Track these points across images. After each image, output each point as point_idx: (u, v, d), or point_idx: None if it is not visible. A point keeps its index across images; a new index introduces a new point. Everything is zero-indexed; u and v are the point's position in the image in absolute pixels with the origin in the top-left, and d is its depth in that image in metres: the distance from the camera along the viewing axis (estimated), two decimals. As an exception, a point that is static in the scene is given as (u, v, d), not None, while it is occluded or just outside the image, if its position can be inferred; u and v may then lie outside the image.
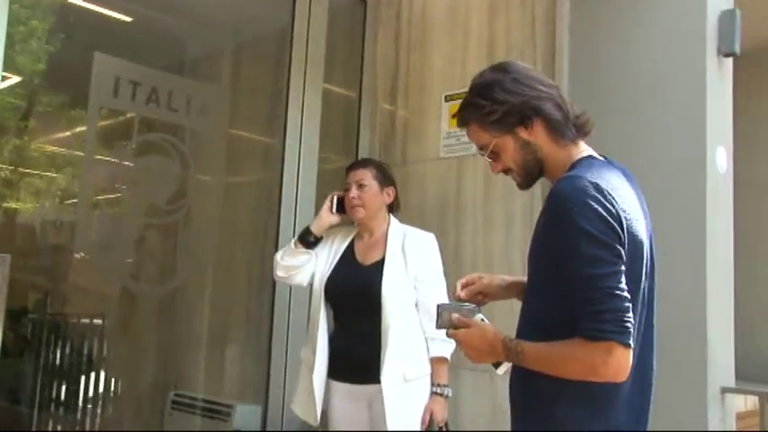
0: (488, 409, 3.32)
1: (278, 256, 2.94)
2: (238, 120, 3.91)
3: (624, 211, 1.61)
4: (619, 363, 1.52)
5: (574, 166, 1.75)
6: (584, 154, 1.79)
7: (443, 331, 2.67)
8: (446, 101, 3.75)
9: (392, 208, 2.98)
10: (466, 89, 3.45)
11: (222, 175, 3.90)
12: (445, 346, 2.74)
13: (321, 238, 2.95)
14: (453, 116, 3.67)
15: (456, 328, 1.80)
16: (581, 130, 1.81)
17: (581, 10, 3.32)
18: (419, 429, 2.72)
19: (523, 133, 1.77)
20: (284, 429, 3.57)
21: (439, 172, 3.73)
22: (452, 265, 3.52)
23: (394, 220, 2.96)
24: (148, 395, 3.90)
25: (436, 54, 3.86)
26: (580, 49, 3.29)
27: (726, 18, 2.99)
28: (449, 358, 2.80)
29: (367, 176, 2.90)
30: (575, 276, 1.56)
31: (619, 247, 1.57)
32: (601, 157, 1.81)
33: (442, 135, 3.73)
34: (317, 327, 2.82)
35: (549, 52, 3.37)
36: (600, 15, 3.26)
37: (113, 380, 3.87)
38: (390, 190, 2.94)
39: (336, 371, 2.82)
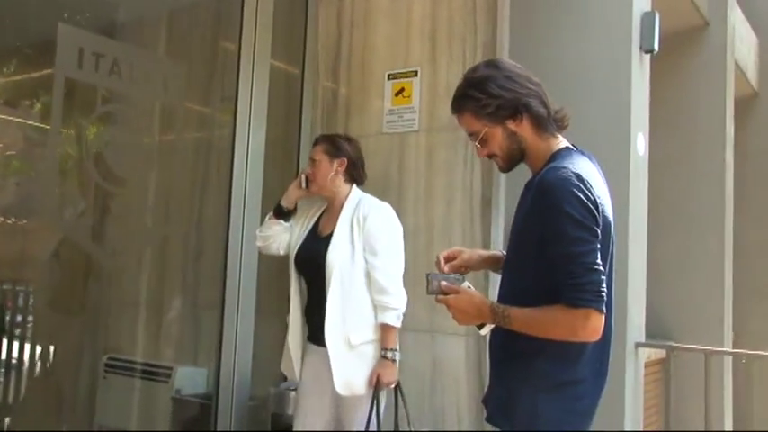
0: (429, 365, 3.64)
1: (258, 229, 3.19)
2: (190, 90, 3.96)
3: (599, 198, 1.90)
4: (595, 326, 1.83)
5: (554, 156, 2.01)
6: (562, 145, 2.06)
7: (390, 299, 2.92)
8: (389, 79, 3.95)
9: (354, 178, 3.15)
10: (409, 69, 3.99)
11: (167, 142, 3.96)
12: (390, 314, 2.92)
13: (293, 210, 3.17)
14: (396, 94, 3.92)
15: (445, 294, 2.04)
16: (560, 125, 2.09)
17: (520, 2, 3.61)
18: (364, 392, 2.90)
19: (512, 125, 2.02)
20: (235, 391, 3.70)
21: (381, 147, 3.93)
22: (411, 233, 3.69)
23: (354, 191, 3.13)
24: (78, 360, 3.87)
25: (378, 34, 4.05)
26: (519, 40, 3.58)
27: (647, 19, 3.41)
28: (395, 325, 2.95)
29: (318, 152, 3.13)
30: (559, 253, 1.84)
31: (596, 228, 1.86)
32: (573, 148, 2.09)
33: (385, 112, 3.94)
34: (290, 292, 3.07)
35: (490, 41, 3.63)
36: (538, 9, 3.61)
37: (38, 347, 3.79)
38: (341, 161, 3.09)
39: (309, 333, 3.09)
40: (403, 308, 2.93)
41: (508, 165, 2.11)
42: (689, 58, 5.22)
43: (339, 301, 2.91)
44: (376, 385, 2.91)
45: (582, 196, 1.84)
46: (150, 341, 4.07)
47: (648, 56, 3.48)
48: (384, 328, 2.93)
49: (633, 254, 3.26)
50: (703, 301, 5.02)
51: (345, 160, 3.10)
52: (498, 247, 3.50)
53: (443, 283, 2.05)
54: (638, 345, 3.27)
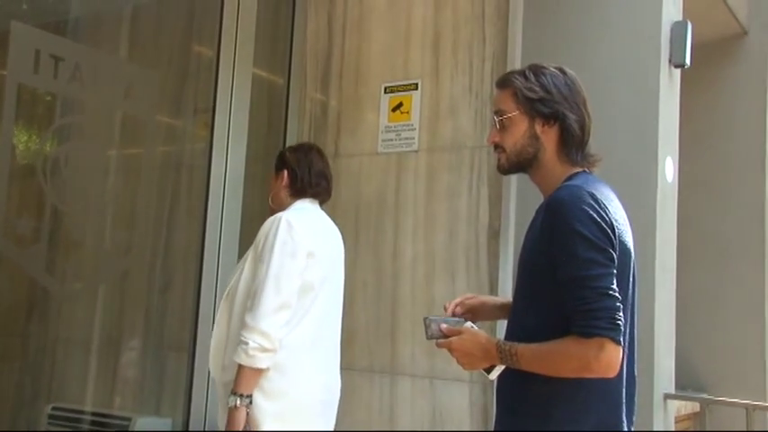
0: (428, 416, 3.64)
1: None
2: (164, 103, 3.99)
3: (616, 221, 1.94)
4: (610, 358, 1.82)
5: (570, 178, 2.07)
6: (581, 169, 2.11)
7: (245, 332, 2.71)
8: (386, 92, 4.00)
9: (300, 192, 3.06)
10: (408, 81, 4.01)
11: (131, 158, 3.94)
12: (240, 350, 2.70)
13: None
14: (393, 109, 3.97)
15: (447, 337, 2.06)
16: (588, 161, 2.13)
17: (535, 8, 3.67)
18: None
19: (539, 127, 2.09)
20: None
21: (376, 168, 3.97)
22: (390, 267, 3.87)
23: (292, 206, 3.03)
24: (13, 411, 3.72)
25: (374, 41, 4.09)
26: (532, 50, 3.60)
27: (677, 29, 3.46)
28: (244, 364, 2.70)
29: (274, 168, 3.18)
30: (570, 277, 1.87)
31: (611, 251, 1.89)
32: (589, 173, 2.13)
33: (381, 129, 3.99)
34: None
35: (500, 51, 3.70)
36: (554, 18, 3.65)
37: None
38: (282, 173, 3.08)
39: None
40: (258, 344, 2.67)
41: (510, 165, 2.16)
42: (723, 70, 5.30)
43: (221, 330, 2.92)
44: None
45: (595, 215, 1.89)
46: (104, 387, 3.98)
47: (678, 71, 3.53)
48: (238, 367, 2.75)
49: (661, 291, 3.30)
50: (740, 344, 5.00)
51: (285, 172, 3.09)
52: (507, 283, 3.54)
53: (443, 325, 2.08)
54: (667, 396, 3.28)
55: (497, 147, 2.16)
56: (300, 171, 3.06)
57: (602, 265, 1.85)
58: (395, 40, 4.03)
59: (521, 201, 3.54)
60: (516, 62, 3.63)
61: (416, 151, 3.89)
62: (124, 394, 4.04)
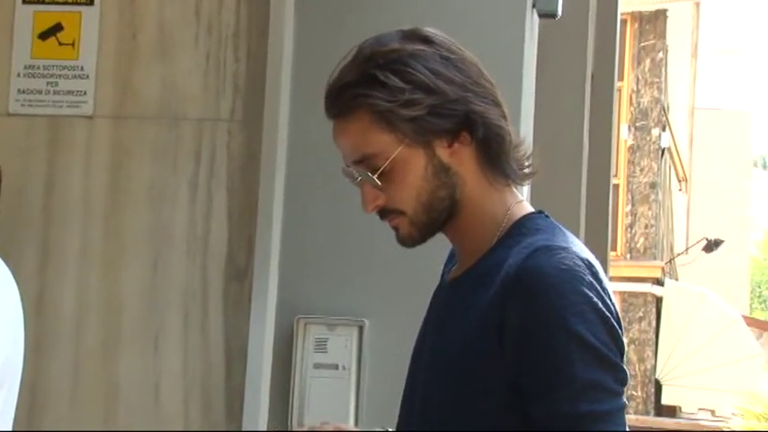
0: None
1: None
2: None
3: (614, 305, 1.73)
4: None
5: (522, 226, 1.75)
6: (530, 208, 1.77)
7: None
8: (25, 3, 3.34)
9: None
10: None
11: None
12: None
13: None
14: (44, 35, 3.38)
15: None
16: (521, 170, 1.75)
17: None
18: None
19: (444, 152, 1.70)
20: None
21: (6, 142, 3.22)
22: (31, 327, 3.07)
23: None
24: None
25: None
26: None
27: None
28: None
29: None
30: (559, 412, 1.63)
31: (622, 365, 1.68)
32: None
33: (17, 71, 3.32)
34: None
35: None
36: None
37: None
38: None
39: None
40: None
41: (421, 231, 1.79)
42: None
43: None
44: None
45: (600, 304, 1.64)
46: None
47: (537, 22, 3.21)
48: None
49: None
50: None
51: None
52: (263, 359, 3.19)
53: None
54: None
55: (387, 212, 1.76)
56: None
57: (612, 394, 1.64)
58: None
59: (290, 219, 3.09)
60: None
61: (90, 117, 3.25)
62: None
